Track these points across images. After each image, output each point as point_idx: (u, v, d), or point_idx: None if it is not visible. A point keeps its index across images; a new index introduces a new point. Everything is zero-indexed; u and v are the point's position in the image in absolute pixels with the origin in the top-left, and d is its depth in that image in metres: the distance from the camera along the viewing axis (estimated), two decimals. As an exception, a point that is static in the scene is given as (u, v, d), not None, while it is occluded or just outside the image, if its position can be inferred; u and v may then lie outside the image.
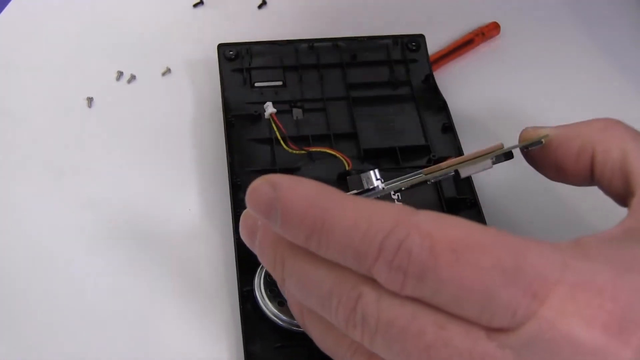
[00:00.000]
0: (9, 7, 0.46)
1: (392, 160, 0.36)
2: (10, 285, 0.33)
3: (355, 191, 0.28)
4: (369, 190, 0.28)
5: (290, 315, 0.29)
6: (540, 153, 0.29)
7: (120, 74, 0.42)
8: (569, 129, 0.29)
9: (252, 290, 0.31)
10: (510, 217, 0.37)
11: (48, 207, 0.36)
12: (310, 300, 0.25)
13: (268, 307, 0.30)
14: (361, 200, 0.23)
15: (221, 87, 0.39)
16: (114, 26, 0.45)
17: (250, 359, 0.29)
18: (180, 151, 0.39)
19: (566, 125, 0.29)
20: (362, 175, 0.28)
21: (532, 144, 0.29)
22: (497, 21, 0.45)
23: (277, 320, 0.30)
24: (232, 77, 0.39)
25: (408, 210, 0.22)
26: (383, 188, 0.28)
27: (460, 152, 0.37)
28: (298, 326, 0.29)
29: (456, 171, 0.28)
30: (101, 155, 0.39)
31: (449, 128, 0.38)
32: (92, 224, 0.35)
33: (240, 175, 0.35)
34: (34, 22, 0.46)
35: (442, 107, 0.39)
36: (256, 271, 0.31)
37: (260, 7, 0.46)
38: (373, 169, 0.28)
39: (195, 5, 0.46)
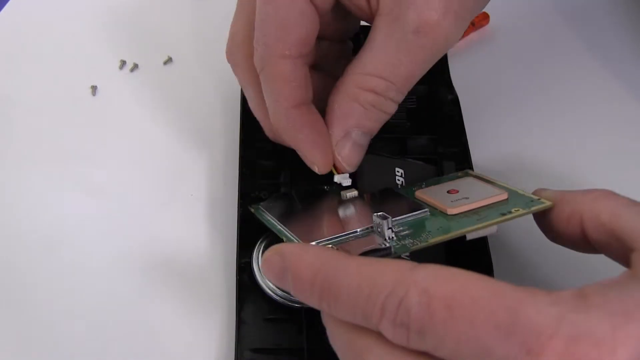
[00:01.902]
0: (14, -1, 0.47)
1: (397, 145, 0.37)
2: (17, 270, 0.34)
3: (364, 248, 0.28)
4: (376, 250, 0.28)
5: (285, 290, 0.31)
6: (540, 215, 0.30)
7: (123, 63, 0.43)
8: (566, 195, 0.29)
9: (250, 263, 0.32)
10: (519, 251, 0.36)
11: (54, 192, 0.37)
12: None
13: (264, 279, 0.31)
14: (364, 262, 0.24)
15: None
16: (117, 16, 0.46)
17: (241, 326, 0.30)
18: (182, 136, 0.40)
19: (566, 192, 0.29)
20: (375, 219, 0.28)
21: (537, 208, 0.29)
22: (486, 11, 0.45)
23: (272, 293, 0.31)
24: None
25: (408, 266, 0.23)
26: (392, 248, 0.28)
27: (465, 148, 0.37)
28: (291, 300, 0.30)
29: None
30: (106, 141, 0.40)
31: (456, 116, 0.39)
32: (97, 208, 0.36)
33: (249, 148, 0.36)
34: (39, 13, 0.46)
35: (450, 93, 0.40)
36: (254, 246, 0.32)
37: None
38: (386, 218, 0.28)
39: (194, -4, 0.47)
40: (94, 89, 0.42)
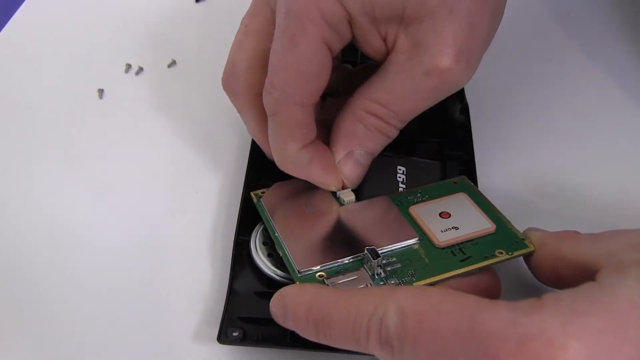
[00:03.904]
0: (24, 6, 0.48)
1: (403, 147, 0.37)
2: (25, 268, 0.34)
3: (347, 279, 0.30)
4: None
5: (277, 266, 0.32)
6: (525, 256, 0.31)
7: (128, 67, 0.45)
8: (544, 237, 0.30)
9: (248, 241, 0.33)
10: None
11: (64, 192, 0.38)
12: None
13: (259, 257, 0.32)
14: (350, 293, 0.26)
15: None
16: (122, 21, 0.47)
17: (231, 296, 0.32)
18: (186, 137, 0.41)
19: (545, 234, 0.30)
20: (366, 253, 0.30)
21: (519, 253, 0.30)
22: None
23: (267, 270, 0.32)
24: None
25: (389, 289, 0.25)
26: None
27: (471, 156, 0.37)
28: (281, 276, 0.32)
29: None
30: (113, 142, 0.40)
31: (465, 110, 0.39)
32: (104, 206, 0.37)
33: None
34: (47, 19, 0.48)
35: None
36: (254, 227, 0.34)
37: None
38: (377, 257, 0.29)
39: (197, 0, 0.49)
40: (101, 92, 0.43)
